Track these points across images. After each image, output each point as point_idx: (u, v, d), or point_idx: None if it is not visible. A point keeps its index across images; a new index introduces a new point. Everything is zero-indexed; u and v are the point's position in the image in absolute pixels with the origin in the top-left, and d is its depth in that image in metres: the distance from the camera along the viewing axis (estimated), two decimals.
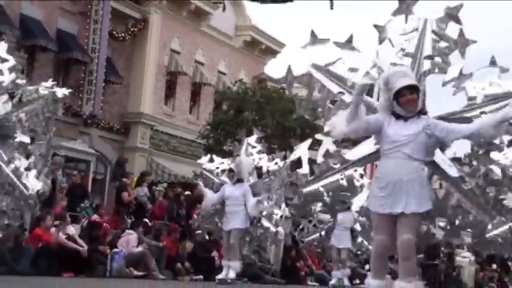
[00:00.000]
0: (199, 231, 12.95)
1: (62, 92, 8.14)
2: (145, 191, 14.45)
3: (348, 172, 6.13)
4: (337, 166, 6.11)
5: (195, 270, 13.19)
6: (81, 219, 12.67)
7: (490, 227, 5.91)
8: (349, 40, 6.13)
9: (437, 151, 5.64)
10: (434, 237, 6.14)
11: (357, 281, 15.23)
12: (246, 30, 27.38)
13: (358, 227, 12.64)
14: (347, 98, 5.96)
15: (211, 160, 12.20)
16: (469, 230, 6.01)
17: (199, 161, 13.08)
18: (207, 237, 13.46)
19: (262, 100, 20.81)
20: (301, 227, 15.75)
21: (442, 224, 6.09)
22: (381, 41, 6.13)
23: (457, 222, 5.89)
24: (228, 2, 23.89)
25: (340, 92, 6.02)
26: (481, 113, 5.62)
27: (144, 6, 22.97)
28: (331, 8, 18.29)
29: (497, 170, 5.94)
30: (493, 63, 5.75)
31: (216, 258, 13.60)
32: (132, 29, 22.66)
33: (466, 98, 5.76)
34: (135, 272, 11.49)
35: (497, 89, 5.68)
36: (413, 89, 5.01)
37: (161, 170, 22.25)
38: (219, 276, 10.59)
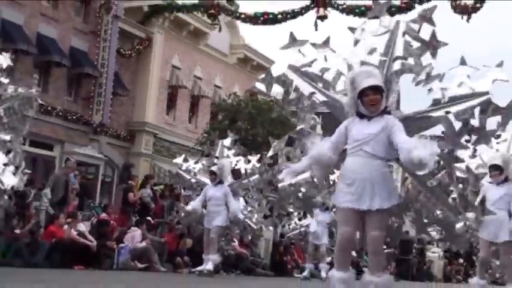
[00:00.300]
0: (179, 226, 12.76)
1: (36, 90, 7.91)
2: (149, 192, 14.42)
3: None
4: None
5: (193, 264, 13.17)
6: (91, 217, 12.67)
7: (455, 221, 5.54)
8: (326, 41, 5.79)
9: None
10: (407, 234, 6.04)
11: None
12: (240, 49, 27.44)
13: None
14: (319, 97, 5.54)
15: (185, 160, 12.05)
16: (437, 226, 5.63)
17: (174, 160, 12.84)
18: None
19: (253, 111, 20.85)
20: (282, 223, 15.81)
21: (409, 220, 5.71)
22: (355, 43, 5.70)
23: (424, 219, 5.53)
24: (223, 23, 23.91)
25: (312, 93, 5.56)
26: (446, 112, 5.16)
27: (149, 26, 23.00)
28: (316, 30, 18.42)
29: (461, 167, 5.60)
30: (463, 63, 5.31)
31: None
32: (137, 47, 22.67)
33: (432, 98, 5.30)
34: (139, 265, 11.46)
35: (463, 90, 5.22)
36: (376, 90, 4.71)
37: (163, 174, 22.19)
38: (198, 268, 10.48)
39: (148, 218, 13.26)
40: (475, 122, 5.13)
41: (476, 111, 5.13)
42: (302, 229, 15.00)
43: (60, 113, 19.68)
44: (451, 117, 5.12)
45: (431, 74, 5.37)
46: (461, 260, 25.48)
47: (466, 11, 17.98)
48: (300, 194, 6.04)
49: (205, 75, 25.52)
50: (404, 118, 5.13)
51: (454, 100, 5.17)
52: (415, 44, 5.46)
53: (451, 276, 24.57)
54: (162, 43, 23.39)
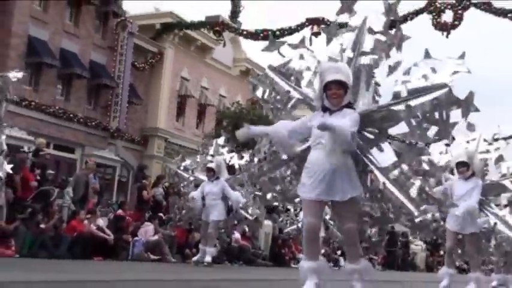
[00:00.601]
0: (181, 222, 12.58)
1: (14, 75, 7.17)
2: (161, 191, 14.40)
3: (292, 163, 5.26)
4: (285, 157, 5.30)
5: None
6: (108, 213, 12.65)
7: (416, 214, 4.99)
8: (302, 41, 5.50)
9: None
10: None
11: (331, 264, 15.20)
12: (242, 62, 27.46)
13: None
14: (295, 95, 5.19)
15: (183, 159, 11.88)
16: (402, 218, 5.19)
17: (173, 161, 12.63)
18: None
19: (255, 118, 20.80)
20: (280, 219, 15.72)
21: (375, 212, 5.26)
22: (328, 41, 5.30)
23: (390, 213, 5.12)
24: (227, 39, 23.96)
25: (287, 91, 5.21)
26: (407, 106, 4.72)
27: (160, 42, 23.03)
28: (310, 45, 18.41)
29: (425, 159, 5.13)
30: (427, 56, 4.88)
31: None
32: (150, 61, 22.70)
33: (392, 92, 4.82)
34: (152, 256, 11.45)
35: (423, 83, 4.76)
36: (340, 85, 4.39)
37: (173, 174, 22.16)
38: (195, 259, 10.29)
39: (160, 214, 13.25)
40: (436, 115, 4.72)
41: (438, 103, 4.71)
42: (299, 224, 14.92)
43: (81, 120, 19.70)
44: (411, 110, 4.72)
45: (393, 66, 4.97)
46: (442, 252, 25.41)
47: (446, 28, 18.01)
48: (278, 188, 5.59)
49: (211, 86, 25.53)
50: (367, 112, 4.77)
51: (415, 93, 4.75)
52: (381, 38, 5.07)
53: (433, 266, 24.49)
54: (173, 57, 23.41)
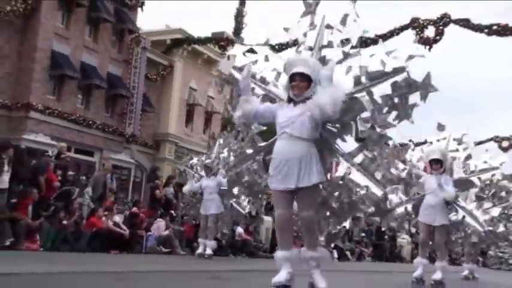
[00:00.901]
0: (187, 217, 12.45)
1: None
2: (171, 190, 14.37)
3: (259, 157, 4.94)
4: (250, 152, 5.00)
5: None
6: (124, 210, 12.62)
7: (388, 204, 4.73)
8: (266, 43, 5.28)
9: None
10: (348, 213, 4.89)
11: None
12: None
13: None
14: (259, 91, 4.88)
15: (191, 158, 11.80)
16: (366, 203, 4.77)
17: (182, 161, 12.56)
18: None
19: None
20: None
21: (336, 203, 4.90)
22: (292, 44, 5.04)
23: (353, 196, 4.72)
24: (231, 54, 23.93)
25: (252, 88, 4.87)
26: (368, 92, 4.37)
27: (171, 56, 23.05)
28: None
29: (389, 144, 4.80)
30: (380, 42, 4.86)
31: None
32: (161, 73, 22.72)
33: (352, 76, 4.46)
34: (163, 249, 11.42)
35: (382, 67, 4.38)
36: (304, 77, 4.11)
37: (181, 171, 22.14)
38: (198, 251, 10.11)
39: (171, 211, 13.23)
40: (395, 99, 4.40)
41: (396, 88, 4.38)
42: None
43: (99, 126, 19.70)
44: (373, 96, 4.38)
45: (347, 53, 4.62)
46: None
47: (428, 43, 18.00)
48: (244, 182, 5.18)
49: (216, 95, 25.52)
50: None
51: (374, 78, 4.39)
52: (338, 32, 4.79)
53: None
54: (182, 69, 23.43)
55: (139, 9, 21.41)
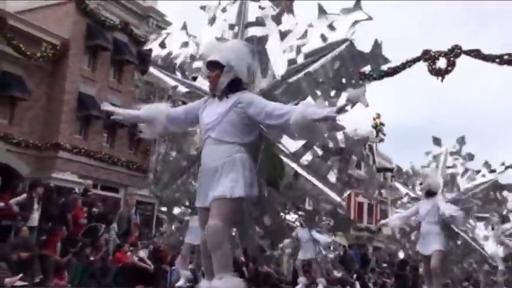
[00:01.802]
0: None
1: None
2: None
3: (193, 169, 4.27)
4: (185, 163, 4.40)
5: None
6: (149, 245, 12.53)
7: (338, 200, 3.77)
8: (184, 27, 4.62)
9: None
10: (286, 233, 4.18)
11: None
12: None
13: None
14: (182, 89, 4.21)
15: None
16: (325, 216, 4.02)
17: None
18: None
19: None
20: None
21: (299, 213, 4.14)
22: (211, 22, 4.21)
23: (309, 207, 3.94)
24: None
25: (175, 86, 4.25)
26: (306, 74, 3.54)
27: None
28: None
29: (340, 136, 3.91)
30: (322, 12, 3.64)
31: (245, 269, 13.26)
32: None
33: (286, 60, 3.66)
34: (188, 284, 11.26)
35: (320, 43, 3.56)
36: (214, 66, 3.24)
37: None
38: (178, 284, 9.02)
39: None
40: (342, 77, 3.60)
41: (341, 63, 3.58)
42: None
43: (124, 164, 19.88)
44: (312, 77, 3.59)
45: (284, 31, 3.82)
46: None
47: (440, 73, 17.96)
48: (178, 196, 4.41)
49: None
50: (268, 90, 3.66)
51: (312, 56, 3.60)
52: (266, 4, 3.99)
53: None
54: None
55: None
